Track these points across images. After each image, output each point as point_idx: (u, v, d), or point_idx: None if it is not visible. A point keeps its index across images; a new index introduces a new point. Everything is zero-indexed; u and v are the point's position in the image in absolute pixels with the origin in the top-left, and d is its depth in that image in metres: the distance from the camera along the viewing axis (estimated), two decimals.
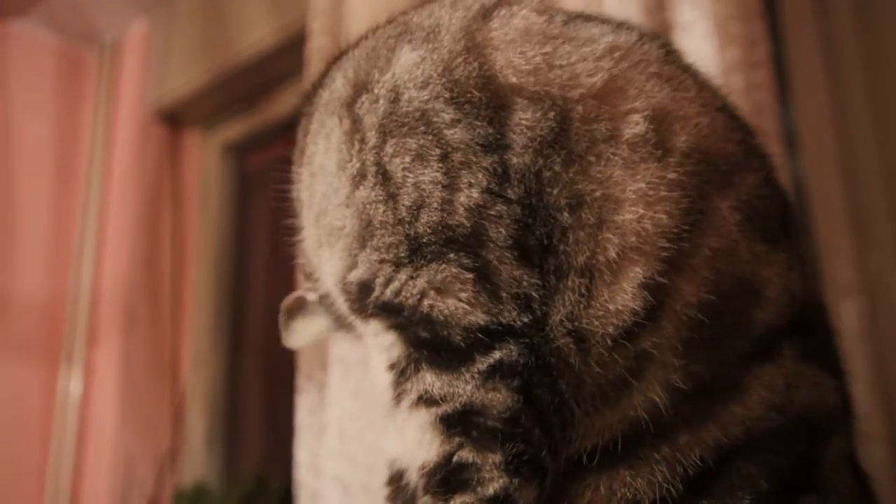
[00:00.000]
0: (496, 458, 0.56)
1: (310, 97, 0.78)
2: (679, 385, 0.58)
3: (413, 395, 0.60)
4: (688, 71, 0.67)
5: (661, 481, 0.58)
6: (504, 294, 0.59)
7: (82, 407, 2.37)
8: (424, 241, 0.60)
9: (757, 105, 1.32)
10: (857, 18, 1.43)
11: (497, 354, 0.58)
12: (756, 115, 1.32)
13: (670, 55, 0.67)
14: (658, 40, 0.68)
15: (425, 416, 0.59)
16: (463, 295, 0.59)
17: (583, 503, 0.59)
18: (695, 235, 0.58)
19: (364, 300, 0.64)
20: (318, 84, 0.77)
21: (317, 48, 1.61)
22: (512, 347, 0.58)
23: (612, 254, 0.58)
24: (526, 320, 0.59)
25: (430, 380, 0.59)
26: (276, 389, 2.13)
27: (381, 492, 0.71)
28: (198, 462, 2.28)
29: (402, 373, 0.61)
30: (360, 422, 1.37)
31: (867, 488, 0.67)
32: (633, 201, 0.58)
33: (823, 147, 1.42)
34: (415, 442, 0.59)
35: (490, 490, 0.56)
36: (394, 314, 0.62)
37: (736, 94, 1.28)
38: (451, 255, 0.59)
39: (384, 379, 0.64)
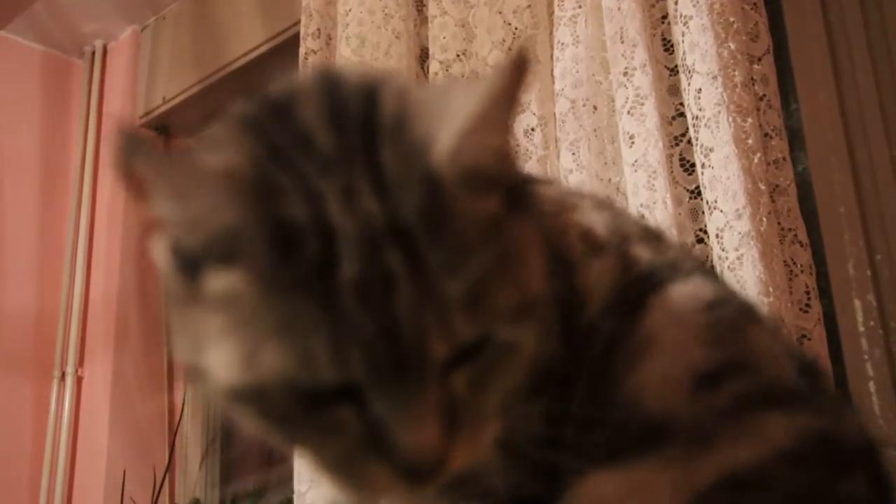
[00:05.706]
0: None
1: None
2: None
3: None
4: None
5: None
6: None
7: (74, 423, 2.33)
8: None
9: (758, 100, 1.29)
10: (863, 7, 1.39)
11: None
12: (757, 110, 1.28)
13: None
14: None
15: None
16: None
17: None
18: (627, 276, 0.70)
19: None
20: None
21: (307, 54, 1.59)
22: None
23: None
24: None
25: None
26: None
27: None
28: (193, 478, 2.25)
29: None
30: None
31: None
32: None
33: (829, 143, 1.37)
34: None
35: None
36: None
37: (736, 90, 1.25)
38: None
39: None
